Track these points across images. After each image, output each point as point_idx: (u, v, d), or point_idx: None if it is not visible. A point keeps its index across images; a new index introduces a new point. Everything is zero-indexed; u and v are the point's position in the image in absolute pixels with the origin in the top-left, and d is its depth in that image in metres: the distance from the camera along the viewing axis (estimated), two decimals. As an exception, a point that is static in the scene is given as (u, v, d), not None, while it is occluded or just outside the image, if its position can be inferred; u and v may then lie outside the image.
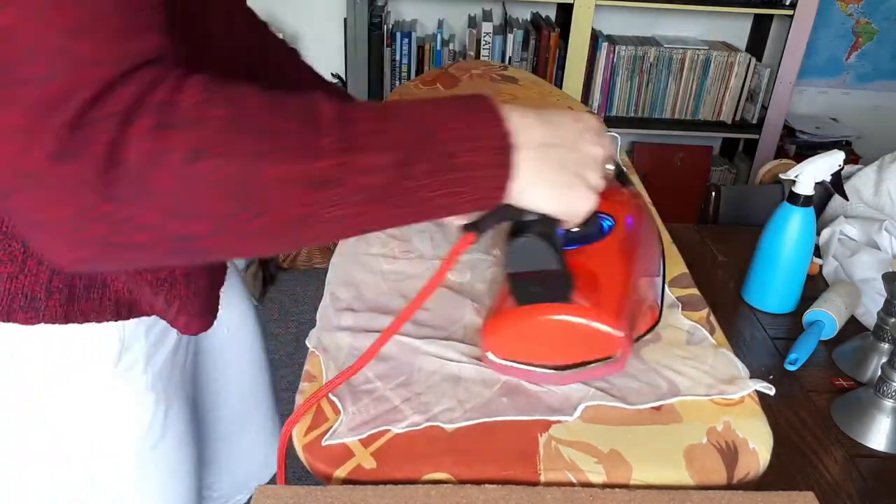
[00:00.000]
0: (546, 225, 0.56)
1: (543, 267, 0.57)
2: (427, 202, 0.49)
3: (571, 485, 0.58)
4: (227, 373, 0.91)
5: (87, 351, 0.62)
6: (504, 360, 0.64)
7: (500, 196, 0.52)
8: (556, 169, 0.53)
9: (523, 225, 0.57)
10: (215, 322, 0.74)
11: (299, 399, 0.65)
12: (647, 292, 0.69)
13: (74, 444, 0.65)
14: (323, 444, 0.60)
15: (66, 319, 0.59)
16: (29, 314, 0.57)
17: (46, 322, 0.58)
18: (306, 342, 0.72)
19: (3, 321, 0.58)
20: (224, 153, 0.43)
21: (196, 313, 0.68)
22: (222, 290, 0.77)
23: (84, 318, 0.60)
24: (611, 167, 0.60)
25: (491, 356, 0.65)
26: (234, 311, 0.89)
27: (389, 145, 0.47)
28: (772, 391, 0.66)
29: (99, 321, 0.61)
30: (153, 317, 0.66)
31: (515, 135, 0.52)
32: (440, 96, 0.53)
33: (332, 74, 2.39)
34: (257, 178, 0.44)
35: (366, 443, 0.60)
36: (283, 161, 0.44)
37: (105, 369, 0.63)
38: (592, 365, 0.62)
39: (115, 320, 0.62)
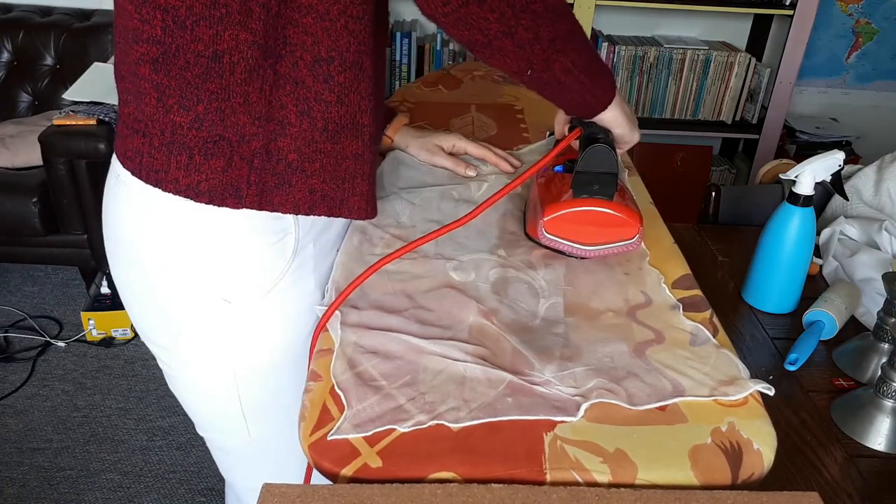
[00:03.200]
0: (609, 141, 0.83)
1: (604, 169, 0.82)
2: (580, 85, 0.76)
3: (577, 484, 0.58)
4: None
5: (271, 242, 0.76)
6: (554, 236, 0.84)
7: (606, 100, 0.81)
8: (629, 113, 0.85)
9: (594, 139, 0.82)
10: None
11: (305, 399, 0.65)
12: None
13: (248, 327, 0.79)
14: (328, 438, 0.60)
15: (260, 207, 0.72)
16: (236, 200, 0.71)
17: (247, 207, 0.72)
18: (315, 308, 0.77)
19: (217, 206, 0.71)
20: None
21: (365, 202, 0.79)
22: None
23: (272, 207, 0.73)
24: None
25: (545, 232, 0.84)
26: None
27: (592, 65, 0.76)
28: (771, 391, 0.67)
29: (284, 212, 0.74)
30: (321, 224, 0.80)
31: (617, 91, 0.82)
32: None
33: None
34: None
35: (372, 442, 0.60)
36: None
37: (282, 262, 0.78)
38: (615, 244, 0.84)
39: (296, 213, 0.74)
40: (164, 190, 0.71)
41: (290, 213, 0.74)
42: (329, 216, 0.76)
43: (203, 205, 0.71)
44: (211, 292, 0.76)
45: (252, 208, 0.72)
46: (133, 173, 0.72)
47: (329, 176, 0.74)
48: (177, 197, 0.71)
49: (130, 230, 0.77)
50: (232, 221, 0.73)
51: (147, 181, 0.71)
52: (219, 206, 0.71)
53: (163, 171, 0.70)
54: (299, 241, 0.79)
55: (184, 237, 0.74)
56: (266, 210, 0.73)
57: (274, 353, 0.82)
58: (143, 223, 0.75)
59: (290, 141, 0.70)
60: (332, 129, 0.72)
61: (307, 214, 0.75)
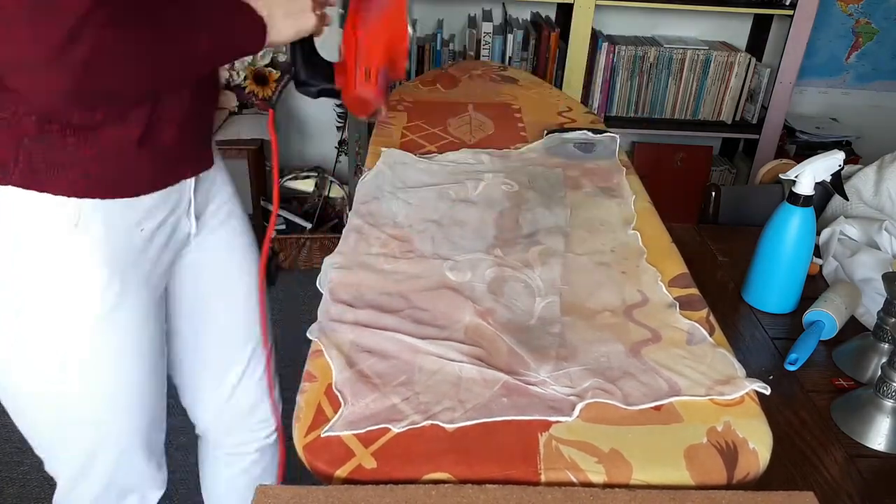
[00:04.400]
0: (307, 43, 0.91)
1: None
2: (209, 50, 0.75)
3: (572, 484, 0.58)
4: (209, 297, 0.99)
5: (48, 217, 0.74)
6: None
7: (260, 36, 0.81)
8: (284, 16, 0.84)
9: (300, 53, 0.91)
10: (197, 232, 0.90)
11: (300, 399, 0.65)
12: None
13: (35, 299, 0.77)
14: (322, 435, 0.60)
15: (27, 187, 0.72)
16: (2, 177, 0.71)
17: (14, 185, 0.71)
18: (307, 334, 0.73)
19: None
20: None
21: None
22: (201, 185, 0.89)
23: (41, 188, 0.72)
24: None
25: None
26: (223, 225, 0.97)
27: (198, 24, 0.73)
28: (767, 391, 0.66)
29: (55, 194, 0.73)
30: (115, 205, 0.77)
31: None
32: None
33: (333, 74, 2.39)
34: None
35: (366, 443, 0.60)
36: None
37: (62, 235, 0.75)
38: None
39: (70, 196, 0.73)
40: None
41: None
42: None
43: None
44: None
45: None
46: None
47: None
48: None
49: None
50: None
51: None
52: None
53: None
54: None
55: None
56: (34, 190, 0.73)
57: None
58: None
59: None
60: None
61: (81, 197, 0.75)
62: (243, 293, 1.02)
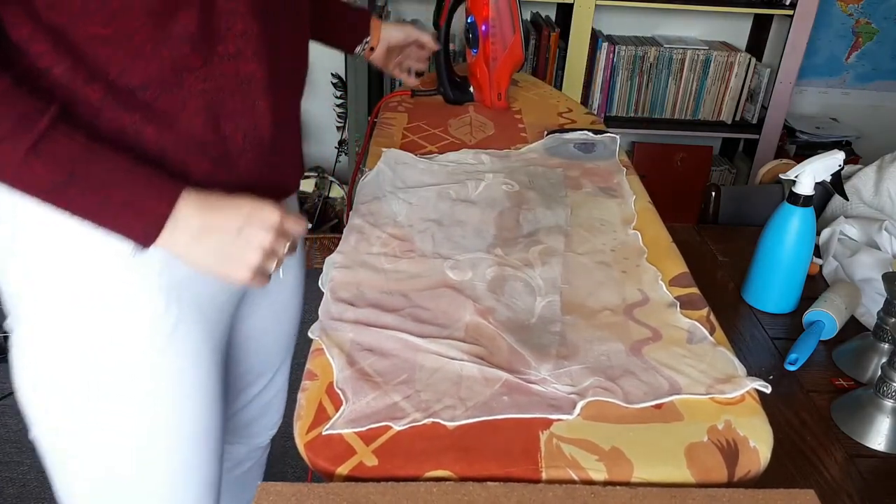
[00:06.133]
0: (448, 69, 1.30)
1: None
2: (74, 215, 0.63)
3: (573, 482, 0.58)
4: (266, 330, 0.97)
5: (101, 245, 0.67)
6: None
7: (140, 243, 0.65)
8: (210, 251, 0.67)
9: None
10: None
11: (302, 398, 0.65)
12: None
13: (95, 325, 0.70)
14: (323, 433, 0.60)
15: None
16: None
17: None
18: (309, 333, 0.73)
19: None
20: None
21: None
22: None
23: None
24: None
25: None
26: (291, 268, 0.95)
27: (66, 171, 0.60)
28: (768, 389, 0.66)
29: None
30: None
31: (180, 208, 0.65)
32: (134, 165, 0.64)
33: (332, 74, 2.39)
34: None
35: (367, 440, 0.60)
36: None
37: (119, 261, 0.68)
38: None
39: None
40: None
41: None
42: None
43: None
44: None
45: None
46: None
47: None
48: None
49: None
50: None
51: None
52: None
53: None
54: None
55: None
56: None
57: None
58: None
59: None
60: None
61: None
62: (293, 315, 1.01)
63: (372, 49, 1.15)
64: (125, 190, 0.62)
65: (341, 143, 2.47)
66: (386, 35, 1.16)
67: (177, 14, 0.61)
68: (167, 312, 0.72)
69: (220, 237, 0.67)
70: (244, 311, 0.92)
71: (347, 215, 0.97)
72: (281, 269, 0.83)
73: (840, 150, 1.10)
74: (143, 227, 0.63)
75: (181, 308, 0.73)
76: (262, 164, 0.74)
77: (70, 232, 0.66)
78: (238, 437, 1.08)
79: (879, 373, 0.91)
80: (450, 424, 0.62)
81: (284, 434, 1.34)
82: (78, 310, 0.69)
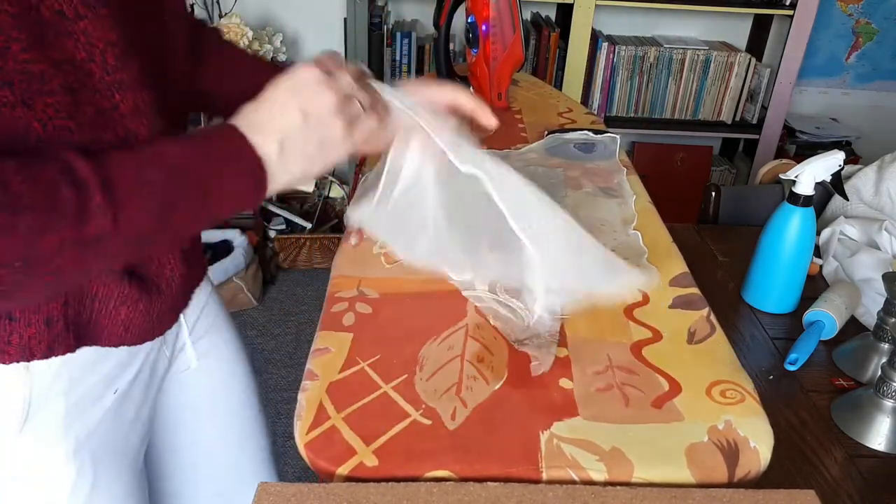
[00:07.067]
0: (448, 66, 1.18)
1: None
2: (190, 229, 0.57)
3: (573, 482, 0.58)
4: (204, 421, 0.81)
5: None
6: None
7: (258, 202, 0.57)
8: (300, 157, 0.58)
9: None
10: (188, 362, 0.72)
11: (302, 398, 0.65)
12: None
13: None
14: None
15: None
16: None
17: None
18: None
19: None
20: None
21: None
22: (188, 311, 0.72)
23: None
24: (363, 72, 0.63)
25: None
26: (214, 344, 0.80)
27: (152, 196, 0.50)
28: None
29: (3, 362, 0.54)
30: (80, 360, 0.58)
31: (260, 150, 0.55)
32: (197, 135, 0.56)
33: (333, 74, 2.39)
34: (35, 249, 0.44)
35: (367, 440, 0.60)
36: (56, 229, 0.45)
37: (9, 426, 0.56)
38: None
39: (22, 360, 0.55)
40: None
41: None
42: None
43: None
44: None
45: None
46: None
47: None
48: None
49: None
50: None
51: None
52: None
53: None
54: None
55: None
56: None
57: None
58: None
59: None
60: None
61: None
62: (245, 415, 0.85)
63: None
64: (206, 166, 0.53)
65: (341, 142, 2.47)
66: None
67: None
68: (80, 478, 0.60)
69: (309, 137, 0.57)
70: (163, 438, 0.78)
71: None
72: (194, 358, 0.76)
73: (840, 150, 1.10)
74: (253, 181, 0.55)
75: (96, 467, 0.61)
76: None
77: None
78: None
79: (879, 373, 0.91)
80: (450, 425, 0.62)
81: (284, 434, 1.34)
82: None
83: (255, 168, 0.55)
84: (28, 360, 0.55)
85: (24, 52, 0.45)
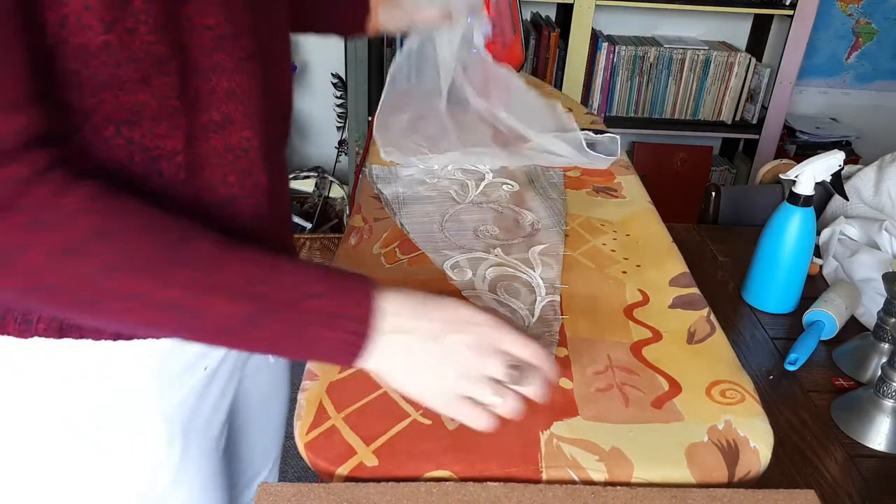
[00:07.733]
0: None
1: None
2: (263, 347, 0.54)
3: (573, 482, 0.58)
4: (259, 415, 0.84)
5: (88, 371, 0.57)
6: None
7: (348, 364, 0.54)
8: (420, 365, 0.55)
9: None
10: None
11: (302, 398, 0.65)
12: None
13: (75, 478, 0.60)
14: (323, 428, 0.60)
15: (61, 333, 0.55)
16: (21, 326, 0.55)
17: (40, 335, 0.55)
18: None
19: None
20: (89, 255, 0.45)
21: None
22: None
23: (79, 333, 0.55)
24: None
25: None
26: None
27: (248, 298, 0.49)
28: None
29: (96, 339, 0.56)
30: (170, 345, 0.60)
31: (380, 317, 0.52)
32: (331, 266, 0.54)
33: (332, 74, 2.39)
34: (107, 282, 0.46)
35: (367, 440, 0.60)
36: (139, 277, 0.47)
37: (106, 393, 0.59)
38: None
39: (115, 339, 0.57)
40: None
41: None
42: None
43: None
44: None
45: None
46: None
47: None
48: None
49: None
50: None
51: None
52: None
53: None
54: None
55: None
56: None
57: None
58: None
59: None
60: None
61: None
62: (280, 411, 0.88)
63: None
64: (316, 299, 0.51)
65: (341, 143, 2.47)
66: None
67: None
68: (170, 446, 0.62)
69: (426, 352, 0.53)
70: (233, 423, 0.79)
71: (351, 210, 0.97)
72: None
73: (840, 150, 1.10)
74: (344, 343, 0.51)
75: (186, 438, 0.64)
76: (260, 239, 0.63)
77: (38, 352, 0.56)
78: None
79: (879, 373, 0.91)
80: (450, 424, 0.62)
81: (284, 434, 1.34)
82: (61, 442, 0.59)
83: (359, 321, 0.52)
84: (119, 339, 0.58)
85: (149, 35, 0.48)
